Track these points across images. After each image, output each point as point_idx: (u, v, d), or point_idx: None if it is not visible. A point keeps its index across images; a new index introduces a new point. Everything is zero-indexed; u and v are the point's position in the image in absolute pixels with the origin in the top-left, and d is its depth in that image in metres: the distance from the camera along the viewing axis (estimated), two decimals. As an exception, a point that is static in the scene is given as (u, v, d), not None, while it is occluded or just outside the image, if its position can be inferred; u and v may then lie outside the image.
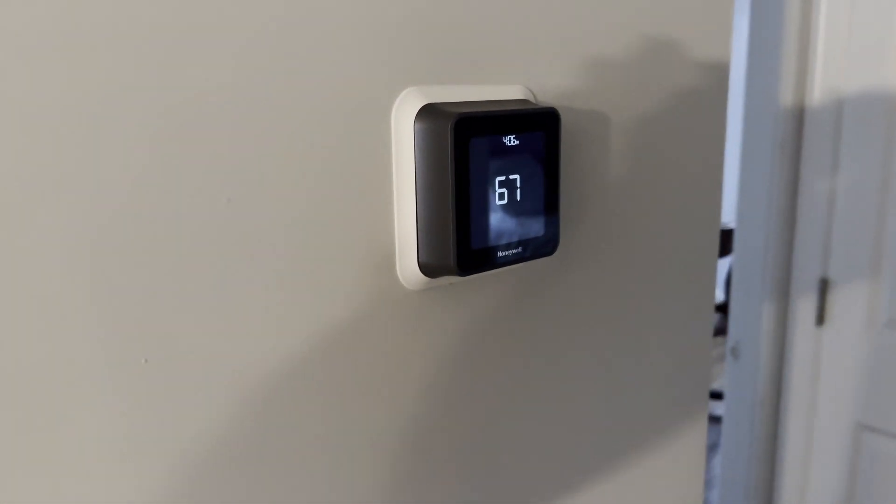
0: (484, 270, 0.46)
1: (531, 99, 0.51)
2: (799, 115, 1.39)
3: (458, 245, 0.45)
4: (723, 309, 3.30)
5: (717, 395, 2.53)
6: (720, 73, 0.66)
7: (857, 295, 1.35)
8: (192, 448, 0.39)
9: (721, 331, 2.46)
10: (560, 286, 0.56)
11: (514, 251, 0.48)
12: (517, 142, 0.47)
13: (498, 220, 0.47)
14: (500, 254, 0.47)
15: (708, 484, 2.47)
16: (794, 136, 1.39)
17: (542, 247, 0.50)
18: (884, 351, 1.35)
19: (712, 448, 2.67)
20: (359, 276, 0.45)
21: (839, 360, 1.39)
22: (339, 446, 0.46)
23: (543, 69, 0.52)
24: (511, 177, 0.47)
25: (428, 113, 0.44)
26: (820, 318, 1.40)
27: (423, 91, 0.45)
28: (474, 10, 0.47)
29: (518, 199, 0.48)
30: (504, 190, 0.47)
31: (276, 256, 0.41)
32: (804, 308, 1.41)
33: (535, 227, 0.49)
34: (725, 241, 2.61)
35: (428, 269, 0.46)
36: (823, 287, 1.38)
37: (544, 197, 0.49)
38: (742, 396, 1.52)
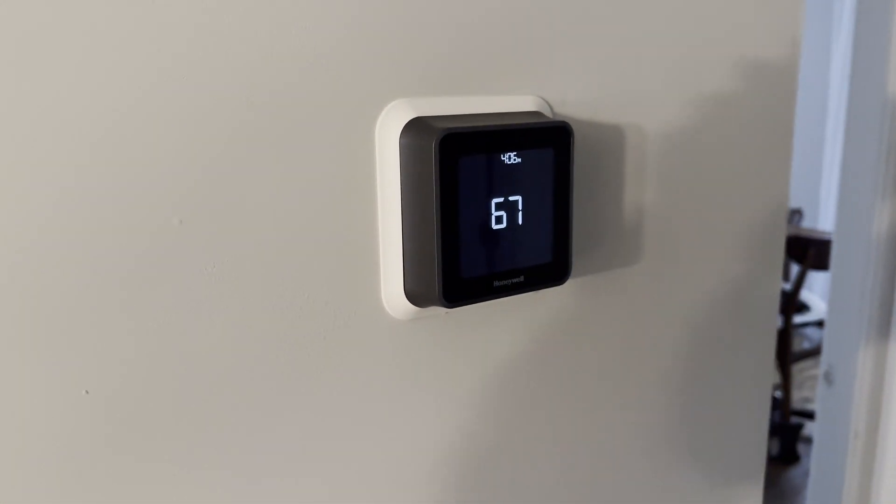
0: (475, 302, 0.42)
1: (546, 111, 0.46)
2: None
3: (445, 273, 0.40)
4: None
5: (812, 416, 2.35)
6: (786, 77, 0.59)
7: (974, 320, 1.20)
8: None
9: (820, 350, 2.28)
10: (578, 321, 0.51)
11: (514, 280, 0.43)
12: (519, 160, 0.42)
13: (494, 246, 0.42)
14: (496, 283, 0.43)
15: (801, 513, 2.29)
16: (903, 140, 1.25)
17: (549, 275, 0.45)
18: None
19: (808, 475, 2.49)
20: (338, 302, 0.41)
21: (947, 393, 1.24)
22: (308, 479, 0.42)
23: (563, 78, 0.47)
24: (511, 198, 0.42)
25: (414, 127, 0.40)
26: (927, 345, 1.25)
27: (413, 103, 0.41)
28: (481, 12, 0.43)
29: (520, 222, 0.43)
30: (502, 213, 0.42)
31: (242, 281, 0.38)
32: (909, 333, 1.27)
33: (542, 254, 0.44)
34: (825, 254, 2.41)
35: (414, 297, 0.42)
36: (932, 310, 1.23)
37: (553, 220, 0.44)
38: (835, 426, 1.39)
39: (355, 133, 0.40)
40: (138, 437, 0.36)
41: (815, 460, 1.47)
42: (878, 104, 1.26)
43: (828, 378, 1.39)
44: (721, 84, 0.54)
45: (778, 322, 2.67)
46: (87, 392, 0.35)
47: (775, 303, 0.64)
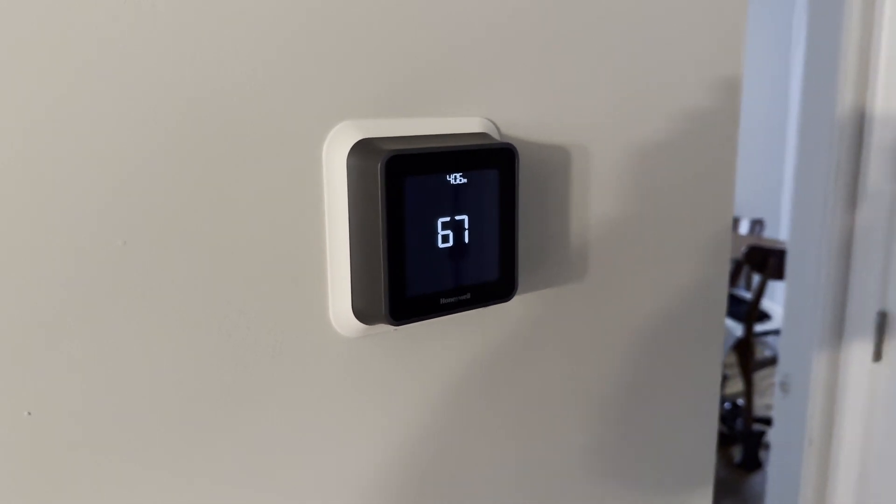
0: (422, 319, 0.43)
1: (493, 132, 0.47)
2: (858, 131, 1.29)
3: (391, 291, 0.41)
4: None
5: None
6: (729, 97, 0.61)
7: (922, 329, 1.24)
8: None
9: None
10: (525, 336, 0.52)
11: (461, 297, 0.44)
12: (464, 180, 0.43)
13: (441, 265, 0.43)
14: (443, 300, 0.44)
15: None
16: (852, 153, 1.29)
17: (495, 292, 0.46)
18: (950, 391, 1.24)
19: (770, 480, 2.53)
20: (285, 321, 0.42)
21: (897, 399, 1.28)
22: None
23: (509, 101, 0.48)
24: (457, 218, 0.44)
25: (361, 149, 0.41)
26: (877, 354, 1.29)
27: (359, 125, 0.42)
28: (429, 36, 0.44)
29: (466, 241, 0.44)
30: (448, 232, 0.43)
31: (185, 302, 0.38)
32: (860, 342, 1.31)
33: (488, 271, 0.45)
34: (784, 264, 2.47)
35: (362, 315, 0.43)
36: (882, 321, 1.27)
37: (499, 239, 0.45)
38: (790, 434, 1.42)
39: (302, 154, 0.41)
40: (77, 457, 0.36)
41: (772, 467, 1.50)
42: (828, 119, 1.30)
43: (784, 387, 1.42)
44: (666, 106, 0.56)
45: (739, 331, 2.73)
46: (29, 413, 0.35)
47: (722, 314, 0.66)
